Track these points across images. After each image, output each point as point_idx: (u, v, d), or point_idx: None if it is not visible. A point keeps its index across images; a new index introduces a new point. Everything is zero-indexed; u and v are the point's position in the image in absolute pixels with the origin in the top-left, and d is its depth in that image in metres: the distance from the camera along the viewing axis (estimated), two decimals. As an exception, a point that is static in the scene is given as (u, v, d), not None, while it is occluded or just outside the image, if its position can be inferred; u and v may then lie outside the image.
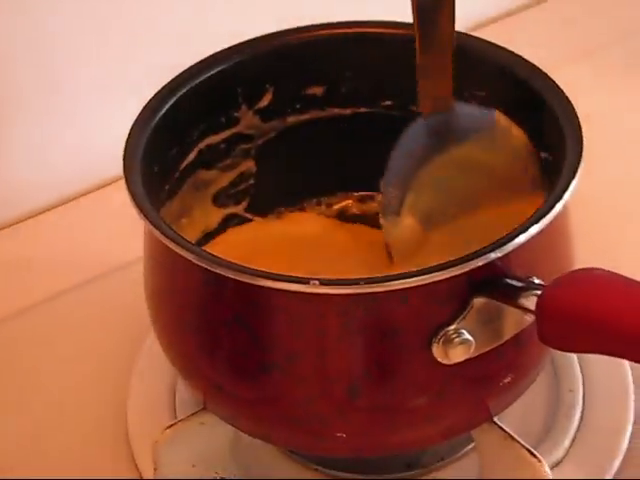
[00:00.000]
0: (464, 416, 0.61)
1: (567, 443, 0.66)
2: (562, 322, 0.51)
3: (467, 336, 0.54)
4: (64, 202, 0.89)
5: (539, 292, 0.51)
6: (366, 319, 0.55)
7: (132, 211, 0.58)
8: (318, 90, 0.71)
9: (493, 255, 0.53)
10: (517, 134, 0.65)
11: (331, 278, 0.54)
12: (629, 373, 0.69)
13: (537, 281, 0.53)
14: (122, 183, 0.59)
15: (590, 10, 1.05)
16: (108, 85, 0.87)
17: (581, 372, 0.70)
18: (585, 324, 0.49)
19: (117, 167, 0.60)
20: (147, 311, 0.66)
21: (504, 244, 0.53)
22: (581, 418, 0.68)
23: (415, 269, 0.53)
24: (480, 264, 0.53)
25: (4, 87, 0.85)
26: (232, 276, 0.55)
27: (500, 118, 0.65)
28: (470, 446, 0.67)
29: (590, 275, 0.51)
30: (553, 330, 0.52)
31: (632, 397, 0.69)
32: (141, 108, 0.63)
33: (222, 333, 0.59)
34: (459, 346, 0.55)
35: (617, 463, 0.65)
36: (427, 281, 0.52)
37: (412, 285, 0.52)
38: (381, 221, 0.68)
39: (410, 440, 0.62)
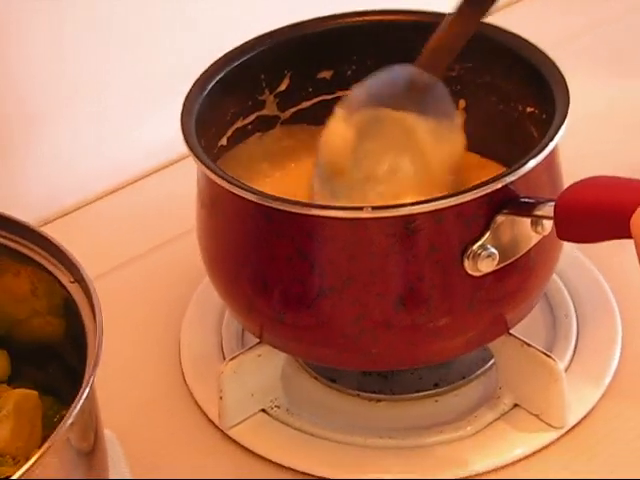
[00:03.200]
0: (488, 327, 0.71)
1: (568, 359, 0.77)
2: (578, 218, 0.62)
3: (492, 250, 0.65)
4: (123, 186, 1.00)
5: (553, 201, 0.63)
6: (410, 239, 0.65)
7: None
8: (327, 74, 0.82)
9: (508, 179, 0.65)
10: (459, 139, 0.76)
11: (380, 204, 0.65)
12: (612, 296, 0.81)
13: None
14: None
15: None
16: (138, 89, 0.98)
17: (572, 301, 0.81)
18: (597, 216, 0.61)
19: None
20: (196, 267, 0.77)
21: (517, 169, 0.65)
22: (577, 338, 0.79)
23: (445, 193, 0.65)
24: (499, 187, 0.64)
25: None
26: (294, 210, 0.65)
27: (458, 118, 0.76)
28: (487, 365, 0.77)
29: (594, 180, 0.63)
30: (571, 227, 0.64)
31: (618, 317, 0.80)
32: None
33: (283, 266, 0.69)
34: (486, 259, 0.65)
35: (612, 370, 0.76)
36: (457, 202, 0.64)
37: (445, 206, 0.64)
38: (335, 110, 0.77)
39: (444, 350, 0.72)
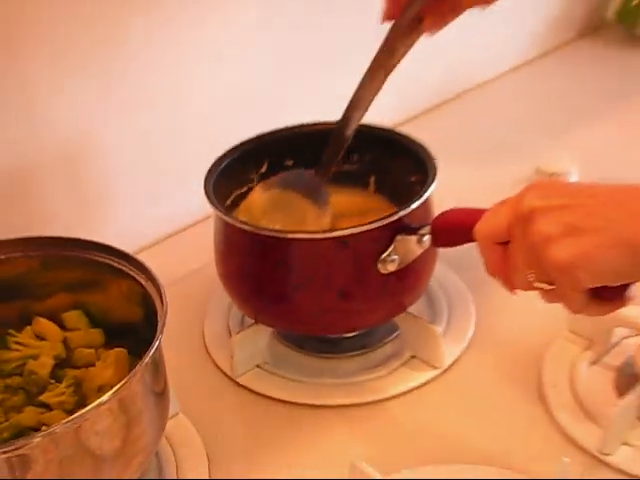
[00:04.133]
0: (394, 307, 0.80)
1: (443, 327, 0.85)
2: (445, 231, 0.72)
3: (395, 257, 0.75)
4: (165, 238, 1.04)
5: (429, 224, 0.73)
6: (347, 251, 0.74)
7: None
8: (290, 162, 0.89)
9: (402, 213, 0.74)
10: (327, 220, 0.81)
11: (330, 229, 0.76)
12: (467, 289, 0.90)
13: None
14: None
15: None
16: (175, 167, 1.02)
17: (443, 293, 0.90)
18: (456, 229, 0.69)
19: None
20: (212, 282, 0.83)
21: (407, 208, 0.74)
22: (448, 315, 0.87)
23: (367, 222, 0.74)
24: (396, 218, 0.74)
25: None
26: (278, 235, 0.74)
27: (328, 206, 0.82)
28: (395, 334, 0.85)
29: (454, 209, 0.71)
30: (441, 237, 0.73)
31: (472, 302, 0.88)
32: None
33: (270, 274, 0.77)
34: (391, 263, 0.75)
35: (470, 334, 0.85)
36: (372, 227, 0.73)
37: (366, 230, 0.73)
38: None
39: (367, 322, 0.81)
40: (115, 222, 0.99)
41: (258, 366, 0.83)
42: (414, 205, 0.75)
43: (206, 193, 0.79)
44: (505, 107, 1.24)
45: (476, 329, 0.86)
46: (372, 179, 0.89)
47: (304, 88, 1.10)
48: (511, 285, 0.64)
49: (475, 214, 0.66)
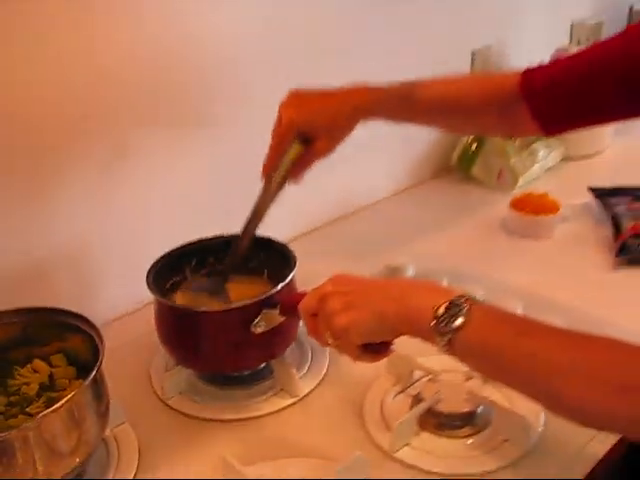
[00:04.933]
0: (267, 356, 0.87)
1: (305, 369, 0.90)
2: (289, 307, 0.79)
3: (263, 323, 0.81)
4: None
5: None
6: (232, 320, 0.81)
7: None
8: (212, 259, 0.93)
9: (269, 294, 0.82)
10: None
11: (220, 305, 0.83)
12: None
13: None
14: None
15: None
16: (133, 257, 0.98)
17: (310, 345, 0.93)
18: (292, 306, 0.76)
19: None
20: (156, 342, 0.88)
21: (272, 290, 0.82)
22: (311, 359, 0.92)
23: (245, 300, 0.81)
24: (264, 297, 0.81)
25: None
26: (189, 309, 0.82)
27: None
28: (271, 375, 0.88)
29: (297, 292, 0.80)
30: (287, 311, 0.80)
31: (328, 352, 0.92)
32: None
33: (186, 334, 0.83)
34: (259, 327, 0.81)
35: (323, 372, 0.89)
36: (248, 303, 0.81)
37: (246, 304, 0.80)
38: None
39: (251, 364, 0.87)
40: (102, 299, 1.01)
41: (181, 393, 0.87)
42: (276, 289, 0.82)
43: (147, 281, 0.86)
44: (375, 223, 1.29)
45: (327, 370, 0.90)
46: (265, 271, 0.93)
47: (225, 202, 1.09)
48: (322, 342, 0.73)
49: (301, 295, 0.74)
